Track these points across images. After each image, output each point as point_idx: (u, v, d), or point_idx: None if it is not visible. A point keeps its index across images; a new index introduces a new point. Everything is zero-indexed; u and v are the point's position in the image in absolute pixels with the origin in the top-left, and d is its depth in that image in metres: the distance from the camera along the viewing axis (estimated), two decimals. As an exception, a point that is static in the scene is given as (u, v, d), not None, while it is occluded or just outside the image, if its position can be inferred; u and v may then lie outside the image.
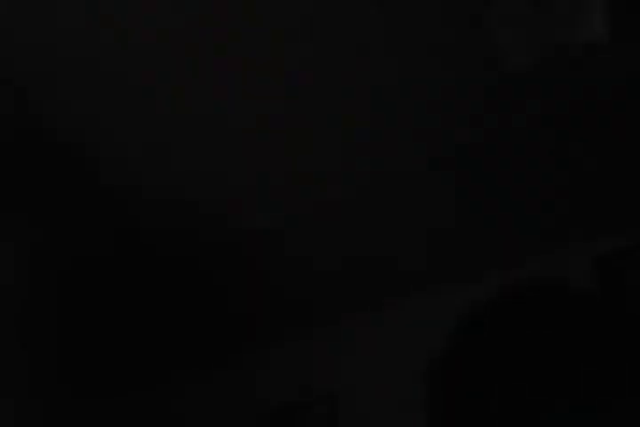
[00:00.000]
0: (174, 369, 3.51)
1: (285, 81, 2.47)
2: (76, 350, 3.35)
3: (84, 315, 3.22)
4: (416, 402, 2.98)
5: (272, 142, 2.64)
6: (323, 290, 3.17)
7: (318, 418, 3.11)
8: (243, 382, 3.38)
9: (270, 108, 2.54)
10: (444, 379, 0.81)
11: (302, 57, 2.40)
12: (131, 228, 2.89)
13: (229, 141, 2.63)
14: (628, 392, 0.75)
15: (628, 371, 0.76)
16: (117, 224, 2.87)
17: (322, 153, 2.68)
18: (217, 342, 3.38)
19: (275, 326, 3.31)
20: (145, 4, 2.26)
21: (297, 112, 2.56)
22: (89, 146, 2.62)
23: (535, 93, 2.50)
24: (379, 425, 3.02)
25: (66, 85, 2.44)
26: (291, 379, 3.28)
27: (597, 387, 0.75)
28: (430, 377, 0.84)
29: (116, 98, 2.49)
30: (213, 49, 2.38)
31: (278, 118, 2.57)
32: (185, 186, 2.76)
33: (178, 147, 2.65)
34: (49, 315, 3.18)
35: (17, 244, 2.88)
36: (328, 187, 2.79)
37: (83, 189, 2.75)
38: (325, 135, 2.63)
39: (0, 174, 2.66)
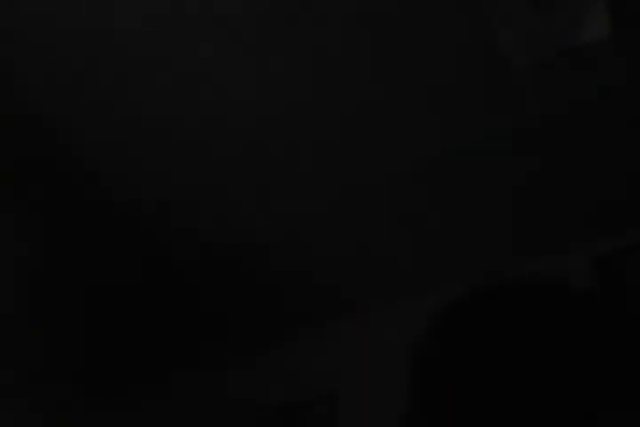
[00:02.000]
0: (175, 369, 3.51)
1: (285, 81, 2.47)
2: (76, 349, 3.35)
3: (84, 315, 3.22)
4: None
5: (274, 144, 2.64)
6: (323, 290, 3.17)
7: (318, 418, 3.11)
8: (243, 382, 3.38)
9: (270, 110, 2.54)
10: (428, 377, 0.80)
11: (301, 56, 2.40)
12: (133, 229, 2.89)
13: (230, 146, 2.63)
14: (629, 394, 0.74)
15: (628, 372, 0.75)
16: (118, 228, 2.88)
17: (321, 152, 2.68)
18: (217, 342, 3.38)
19: (275, 326, 3.31)
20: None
21: (297, 112, 2.56)
22: (89, 146, 2.62)
23: (535, 93, 2.50)
24: (379, 425, 3.02)
25: (65, 83, 2.45)
26: (291, 379, 3.28)
27: (597, 389, 0.74)
28: (414, 374, 0.82)
29: (116, 101, 2.49)
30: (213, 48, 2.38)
31: (279, 120, 2.57)
32: (185, 195, 2.76)
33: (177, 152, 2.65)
34: (49, 315, 3.18)
35: (15, 237, 2.88)
36: (326, 188, 2.79)
37: (88, 197, 2.75)
38: (325, 134, 2.63)
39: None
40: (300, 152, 2.67)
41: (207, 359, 3.46)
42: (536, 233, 2.96)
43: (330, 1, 2.27)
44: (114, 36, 2.32)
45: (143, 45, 2.35)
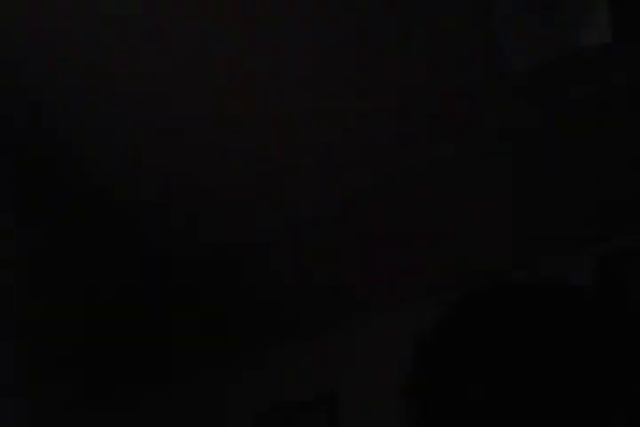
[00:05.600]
0: (175, 369, 3.50)
1: (285, 81, 2.47)
2: (77, 350, 3.35)
3: (84, 315, 3.22)
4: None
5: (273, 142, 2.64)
6: (324, 290, 3.16)
7: (318, 418, 3.11)
8: (243, 382, 3.37)
9: (270, 110, 2.54)
10: (428, 378, 0.79)
11: (303, 57, 2.40)
12: (133, 228, 2.89)
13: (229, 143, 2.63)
14: (629, 394, 0.74)
15: (628, 372, 0.75)
16: (117, 227, 2.88)
17: (321, 152, 2.68)
18: (218, 342, 3.38)
19: (276, 326, 3.31)
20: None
21: (297, 113, 2.55)
22: (86, 145, 2.62)
23: (536, 94, 2.50)
24: (379, 425, 3.02)
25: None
26: (291, 379, 3.28)
27: (596, 389, 0.73)
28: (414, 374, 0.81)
29: (116, 96, 2.49)
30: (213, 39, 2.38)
31: (278, 121, 2.57)
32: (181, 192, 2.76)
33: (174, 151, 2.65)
34: (49, 314, 3.18)
35: (14, 237, 2.88)
36: (327, 189, 2.79)
37: (80, 189, 2.75)
38: (325, 134, 2.63)
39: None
40: (300, 152, 2.66)
41: (207, 360, 3.46)
42: (536, 234, 2.96)
43: (327, 1, 2.27)
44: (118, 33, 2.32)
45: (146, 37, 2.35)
